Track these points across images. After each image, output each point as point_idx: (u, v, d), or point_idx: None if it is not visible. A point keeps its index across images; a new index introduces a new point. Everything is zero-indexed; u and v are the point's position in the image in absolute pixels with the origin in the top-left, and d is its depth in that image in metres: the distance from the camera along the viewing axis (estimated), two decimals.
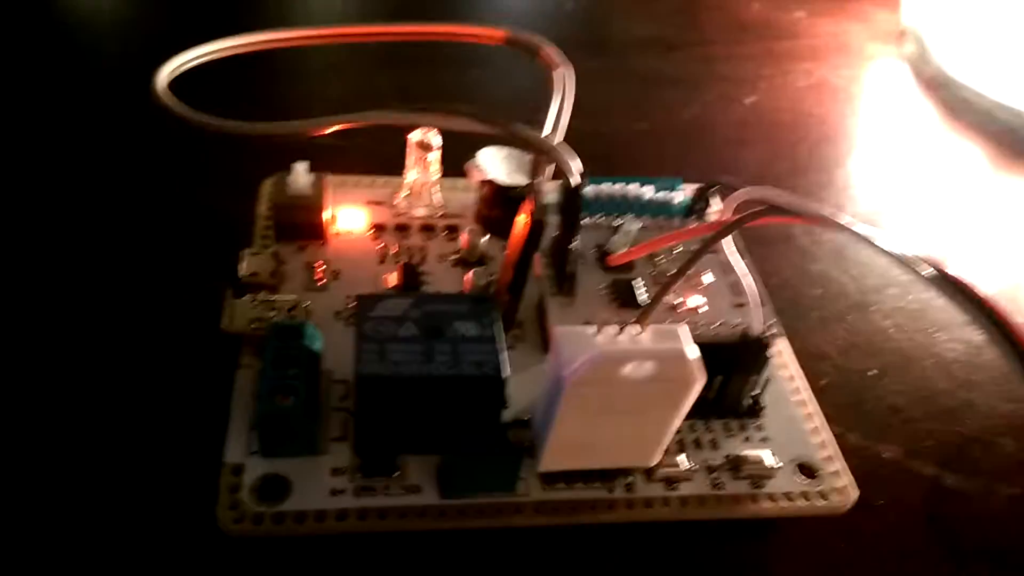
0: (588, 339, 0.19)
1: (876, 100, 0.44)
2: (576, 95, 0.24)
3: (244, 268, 0.26)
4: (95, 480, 0.22)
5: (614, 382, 0.19)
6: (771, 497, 0.23)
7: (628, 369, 0.19)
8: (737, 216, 0.23)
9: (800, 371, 0.27)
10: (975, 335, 0.29)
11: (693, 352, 0.19)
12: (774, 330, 0.26)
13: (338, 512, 0.21)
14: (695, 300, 0.25)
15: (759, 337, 0.24)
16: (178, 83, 0.25)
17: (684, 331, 0.20)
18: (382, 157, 0.30)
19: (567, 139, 0.23)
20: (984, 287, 0.21)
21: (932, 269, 0.21)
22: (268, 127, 0.23)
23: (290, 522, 0.21)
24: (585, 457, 0.22)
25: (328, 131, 0.23)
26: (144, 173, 0.32)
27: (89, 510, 0.21)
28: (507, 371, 0.21)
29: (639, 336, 0.20)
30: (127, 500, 0.22)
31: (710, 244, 0.23)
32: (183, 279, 0.27)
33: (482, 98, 0.39)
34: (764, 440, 0.25)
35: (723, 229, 0.23)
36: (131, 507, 0.22)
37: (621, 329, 0.20)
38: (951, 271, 0.21)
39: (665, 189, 0.29)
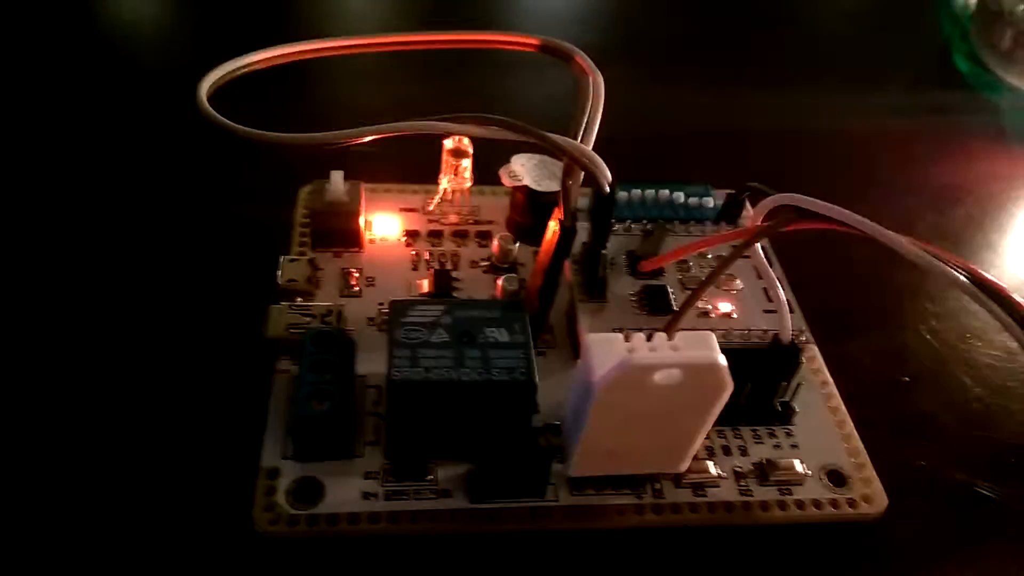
0: (618, 346, 0.19)
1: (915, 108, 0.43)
2: (609, 99, 0.25)
3: (282, 275, 0.26)
4: (135, 483, 0.23)
5: (643, 389, 0.19)
6: (800, 504, 0.23)
7: (657, 376, 0.19)
8: (768, 223, 0.24)
9: (831, 377, 0.27)
10: (1009, 341, 0.29)
11: (722, 359, 0.19)
12: (804, 336, 0.26)
13: (370, 515, 0.22)
14: (726, 306, 0.26)
15: (789, 343, 0.24)
16: (218, 92, 0.26)
17: (712, 338, 0.20)
18: (416, 164, 0.30)
19: (598, 144, 0.24)
20: (1017, 293, 0.21)
21: (965, 274, 0.21)
22: (306, 138, 0.23)
23: (323, 524, 0.22)
24: (614, 463, 0.22)
25: (364, 141, 0.23)
26: (184, 181, 0.32)
27: (129, 512, 0.22)
28: (537, 377, 0.22)
29: (668, 343, 0.20)
30: (166, 502, 0.22)
31: (741, 251, 0.24)
32: (222, 286, 0.28)
33: (517, 104, 0.39)
34: (794, 447, 0.25)
35: (754, 236, 0.24)
36: (170, 509, 0.22)
37: (651, 336, 0.20)
38: (985, 276, 0.21)
39: (695, 195, 0.29)
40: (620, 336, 0.20)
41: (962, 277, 0.21)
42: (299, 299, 0.26)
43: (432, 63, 0.40)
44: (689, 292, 0.26)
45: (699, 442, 0.22)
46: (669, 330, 0.22)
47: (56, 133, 0.34)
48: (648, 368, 0.19)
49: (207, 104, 0.25)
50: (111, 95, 0.37)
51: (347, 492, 0.22)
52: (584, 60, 0.26)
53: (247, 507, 0.22)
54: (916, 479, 0.25)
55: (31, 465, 0.23)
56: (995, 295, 0.21)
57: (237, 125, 0.24)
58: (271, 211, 0.30)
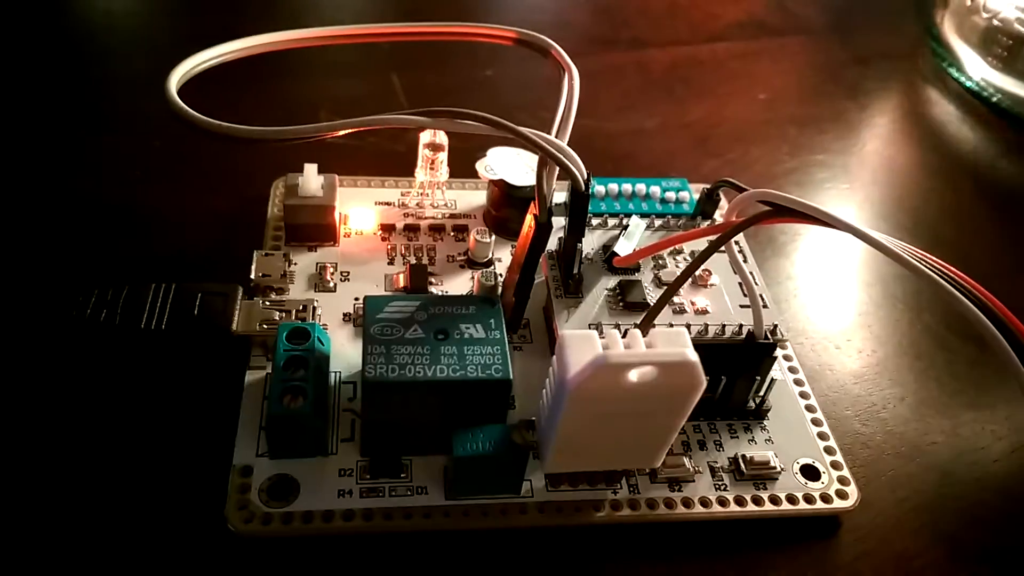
0: (592, 344, 0.19)
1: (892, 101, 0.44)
2: (586, 92, 0.24)
3: (255, 270, 0.26)
4: (107, 481, 0.22)
5: (618, 387, 0.19)
6: (774, 499, 0.24)
7: (631, 374, 0.19)
8: (743, 218, 0.23)
9: (805, 373, 0.27)
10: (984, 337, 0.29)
11: (695, 357, 0.19)
12: (779, 332, 0.26)
13: (345, 512, 0.22)
14: (701, 301, 0.26)
15: (764, 338, 0.24)
16: (189, 83, 0.25)
17: (686, 335, 0.20)
18: (392, 157, 0.30)
19: (574, 138, 0.23)
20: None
21: (936, 269, 0.21)
22: (278, 132, 0.23)
23: (298, 522, 0.21)
24: (589, 459, 0.22)
25: (338, 135, 0.23)
26: (153, 174, 0.32)
27: (101, 511, 0.22)
28: (512, 374, 0.22)
29: (643, 340, 0.20)
30: (138, 501, 0.22)
31: (716, 246, 0.24)
32: (193, 280, 0.28)
33: (494, 96, 0.39)
34: (768, 441, 0.25)
35: (729, 231, 0.24)
36: (142, 508, 0.22)
37: (625, 333, 0.20)
38: (953, 270, 0.21)
39: (671, 190, 0.29)
40: (594, 333, 0.20)
41: (930, 271, 0.21)
42: (272, 294, 0.26)
43: (414, 55, 0.40)
44: (665, 288, 0.26)
45: (673, 438, 0.22)
46: (643, 327, 0.23)
47: (21, 125, 0.33)
48: (622, 366, 0.19)
49: (176, 97, 0.24)
50: (80, 87, 0.36)
51: (322, 489, 0.22)
52: (560, 55, 0.26)
53: (220, 505, 0.21)
54: (889, 473, 0.25)
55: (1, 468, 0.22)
56: (965, 290, 0.21)
57: (207, 119, 0.23)
58: (246, 205, 0.30)
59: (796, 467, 0.24)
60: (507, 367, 0.22)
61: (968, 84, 0.44)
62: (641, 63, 0.43)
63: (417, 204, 0.30)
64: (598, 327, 0.24)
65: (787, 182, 0.36)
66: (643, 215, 0.28)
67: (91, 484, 0.22)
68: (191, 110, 0.23)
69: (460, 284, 0.28)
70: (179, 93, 0.24)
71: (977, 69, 0.43)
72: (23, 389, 0.24)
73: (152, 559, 0.21)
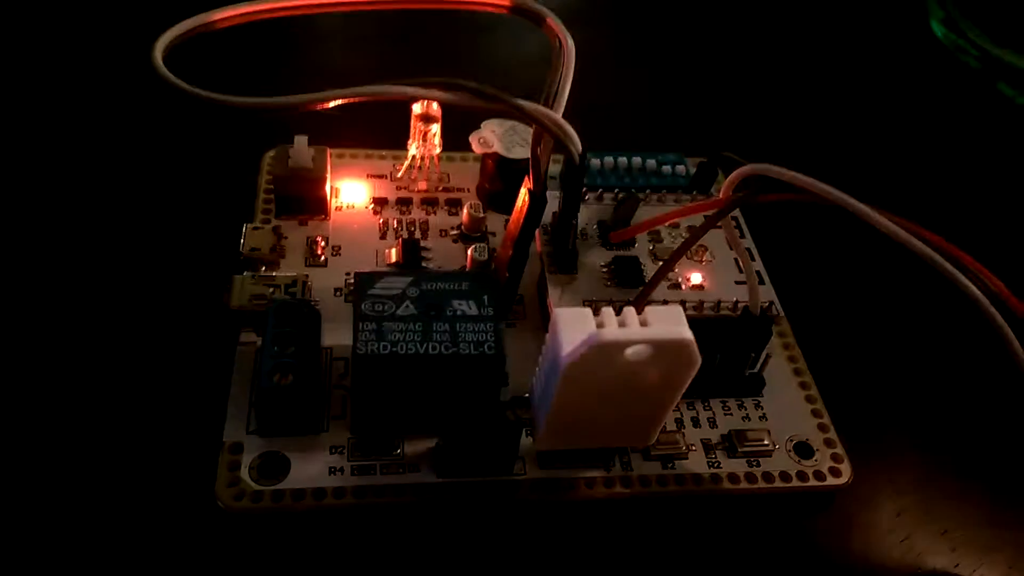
0: (587, 321, 0.19)
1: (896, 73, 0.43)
2: (581, 64, 0.24)
3: (245, 243, 0.26)
4: (95, 459, 0.22)
5: (612, 365, 0.19)
6: (768, 476, 0.24)
7: (626, 352, 0.19)
8: (739, 193, 0.23)
9: (800, 350, 0.27)
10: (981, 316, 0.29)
11: (691, 335, 0.19)
12: (775, 308, 0.26)
13: (335, 490, 0.22)
14: (697, 277, 0.25)
15: (760, 314, 0.24)
16: (178, 51, 0.25)
17: (681, 313, 0.20)
18: (384, 128, 0.30)
19: (570, 110, 0.23)
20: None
21: (935, 247, 0.21)
22: (268, 102, 0.22)
23: (288, 499, 0.21)
24: (582, 437, 0.22)
25: (328, 106, 0.22)
26: (142, 146, 0.31)
27: (90, 490, 0.22)
28: (505, 350, 0.21)
29: (638, 318, 0.19)
30: (127, 478, 0.22)
31: (712, 222, 0.23)
32: (184, 254, 0.27)
33: (488, 65, 0.39)
34: (762, 418, 0.25)
35: (725, 207, 0.23)
36: (131, 485, 0.22)
37: (620, 310, 0.20)
38: (955, 249, 0.21)
39: (667, 163, 0.29)
40: (589, 311, 0.19)
41: (929, 249, 0.21)
42: (263, 268, 0.26)
43: (406, 23, 0.39)
44: (661, 263, 0.25)
45: (667, 416, 0.22)
46: (639, 304, 0.22)
47: (7, 97, 0.33)
48: (617, 344, 0.19)
49: (162, 65, 0.24)
50: (64, 55, 0.35)
51: (312, 467, 0.22)
52: (556, 24, 0.25)
53: (210, 482, 0.21)
54: (882, 451, 0.25)
55: None
56: (964, 268, 0.21)
57: (194, 88, 0.23)
58: (235, 177, 0.29)
59: (790, 444, 0.24)
60: (500, 344, 0.21)
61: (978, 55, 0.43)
62: (637, 33, 0.42)
63: (410, 177, 0.30)
64: (592, 303, 0.24)
65: (786, 153, 0.36)
66: (638, 189, 0.28)
67: (80, 461, 0.22)
68: (177, 78, 0.23)
69: (453, 259, 0.28)
70: (165, 61, 0.24)
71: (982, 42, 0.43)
72: (10, 363, 0.24)
73: (142, 536, 0.21)
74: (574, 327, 0.19)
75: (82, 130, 0.32)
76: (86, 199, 0.29)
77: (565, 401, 0.20)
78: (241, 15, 0.27)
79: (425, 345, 0.21)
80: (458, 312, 0.22)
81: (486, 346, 0.21)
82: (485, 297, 0.23)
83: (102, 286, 0.26)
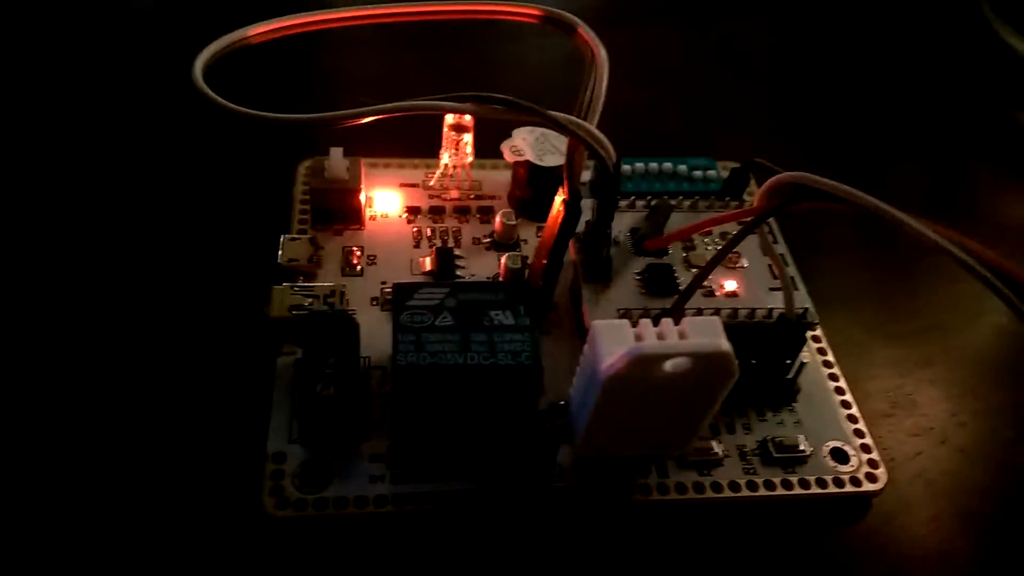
0: (625, 334, 0.19)
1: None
2: (613, 68, 0.24)
3: (283, 254, 0.26)
4: (140, 469, 0.23)
5: (651, 377, 0.19)
6: (804, 482, 0.24)
7: (666, 365, 0.19)
8: (775, 202, 0.23)
9: (835, 355, 0.27)
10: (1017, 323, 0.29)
11: (729, 347, 0.19)
12: (809, 314, 0.26)
13: (377, 498, 0.22)
14: (731, 284, 0.25)
15: (795, 321, 0.24)
16: (214, 65, 0.25)
17: (719, 324, 0.20)
18: (416, 138, 0.30)
19: (603, 115, 0.23)
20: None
21: (972, 254, 0.21)
22: (304, 119, 0.23)
23: (331, 508, 0.22)
24: (620, 445, 0.22)
25: (362, 122, 0.23)
26: (180, 160, 0.32)
27: (137, 500, 0.22)
28: (542, 361, 0.22)
29: (675, 329, 0.20)
30: (173, 488, 0.22)
31: (748, 230, 0.23)
32: (223, 265, 0.28)
33: (519, 74, 0.39)
34: (797, 424, 0.25)
35: (763, 214, 0.23)
36: (177, 494, 0.22)
37: (657, 321, 0.20)
38: (992, 256, 0.21)
39: (698, 168, 0.29)
40: (627, 323, 0.20)
41: (967, 256, 0.21)
42: (301, 279, 0.26)
43: (436, 33, 0.39)
44: (695, 271, 0.25)
45: (705, 425, 0.22)
46: (675, 313, 0.22)
47: (50, 112, 0.33)
48: (656, 357, 0.19)
49: (202, 82, 0.24)
50: (107, 72, 0.36)
51: (354, 475, 0.22)
52: (587, 33, 0.25)
53: (255, 491, 0.22)
54: (917, 456, 0.25)
55: (36, 457, 0.23)
56: (1003, 275, 0.21)
57: (233, 105, 0.23)
58: (271, 188, 0.30)
59: (825, 450, 0.24)
60: (537, 354, 0.22)
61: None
62: (663, 37, 0.42)
63: (442, 186, 0.30)
64: (628, 313, 0.24)
65: (816, 159, 0.36)
66: (670, 195, 0.28)
67: (125, 473, 0.23)
68: (217, 96, 0.23)
69: (486, 267, 0.28)
70: (204, 77, 0.24)
71: None
72: (56, 376, 0.24)
73: (188, 545, 0.21)
74: (613, 339, 0.19)
75: (122, 145, 0.32)
76: (127, 214, 0.29)
77: (604, 411, 0.20)
78: (274, 30, 0.27)
79: (464, 356, 0.21)
80: (495, 322, 0.22)
81: (523, 356, 0.22)
82: (521, 307, 0.23)
83: (144, 299, 0.27)
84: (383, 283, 0.27)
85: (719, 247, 0.26)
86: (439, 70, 0.37)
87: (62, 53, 0.36)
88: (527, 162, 0.29)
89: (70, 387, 0.24)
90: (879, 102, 0.40)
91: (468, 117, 0.28)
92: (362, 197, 0.28)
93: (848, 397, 0.26)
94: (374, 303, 0.26)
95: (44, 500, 0.22)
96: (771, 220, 0.28)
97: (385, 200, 0.29)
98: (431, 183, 0.30)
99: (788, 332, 0.24)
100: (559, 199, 0.24)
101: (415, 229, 0.29)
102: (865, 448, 0.25)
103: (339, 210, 0.28)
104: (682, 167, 0.29)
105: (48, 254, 0.28)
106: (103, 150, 0.32)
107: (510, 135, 0.29)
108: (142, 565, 0.21)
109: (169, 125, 0.33)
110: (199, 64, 0.25)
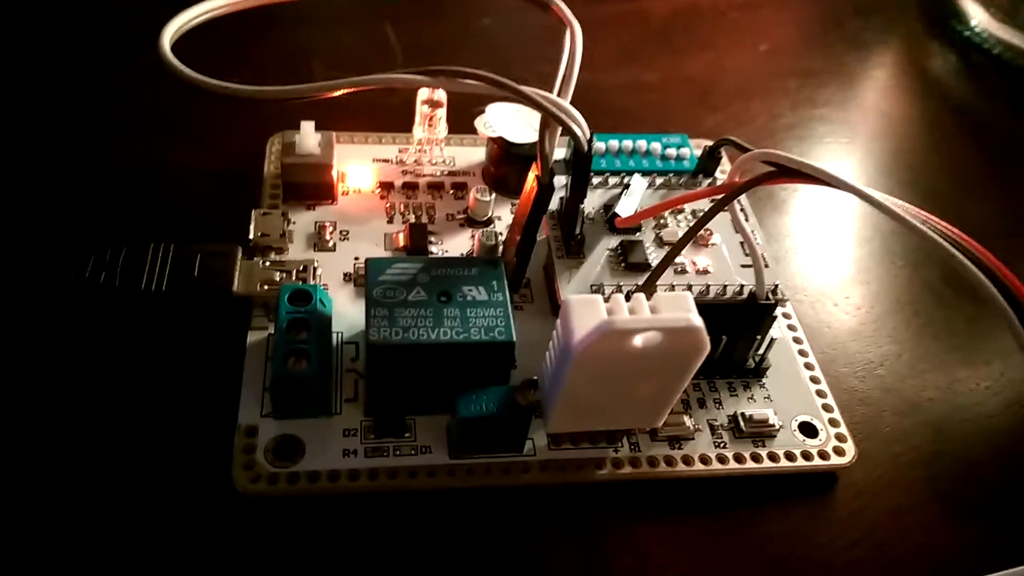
0: (597, 309, 0.19)
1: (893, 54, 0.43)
2: (583, 43, 0.24)
3: (254, 229, 0.26)
4: (111, 446, 0.22)
5: (622, 352, 0.19)
6: (773, 456, 0.24)
7: (637, 339, 0.19)
8: (747, 179, 0.23)
9: (804, 331, 0.27)
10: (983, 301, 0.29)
11: (700, 321, 0.20)
12: (779, 291, 0.26)
13: (350, 472, 0.22)
14: (703, 261, 0.26)
15: (765, 298, 0.24)
16: (184, 36, 0.25)
17: (690, 299, 0.20)
18: (388, 113, 0.30)
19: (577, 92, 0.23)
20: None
21: (939, 230, 0.21)
22: (276, 91, 0.22)
23: (304, 482, 0.22)
24: (592, 419, 0.23)
25: (335, 95, 0.23)
26: (149, 133, 0.31)
27: (107, 476, 0.22)
28: (515, 336, 0.22)
29: (647, 304, 0.20)
30: (143, 463, 0.22)
31: (719, 207, 0.23)
32: (190, 240, 0.27)
33: (492, 47, 0.39)
34: (768, 399, 0.25)
35: (733, 192, 0.23)
36: (148, 469, 0.22)
37: (629, 297, 0.20)
38: (958, 233, 0.21)
39: (671, 146, 0.29)
40: (599, 298, 0.20)
41: (931, 232, 0.21)
42: (272, 254, 0.26)
43: (410, 5, 0.39)
44: (667, 247, 0.26)
45: (676, 399, 0.22)
46: (647, 289, 0.23)
47: (16, 84, 0.33)
48: (627, 332, 0.19)
49: (170, 54, 0.24)
50: (73, 44, 0.35)
51: (327, 449, 0.22)
52: (561, 9, 0.25)
53: (226, 465, 0.22)
54: (885, 430, 0.26)
55: (5, 434, 0.22)
56: (964, 249, 0.21)
57: (203, 77, 0.23)
58: (242, 163, 0.29)
59: (794, 424, 0.25)
60: (510, 330, 0.22)
61: (969, 35, 0.43)
62: (640, 13, 0.42)
63: (415, 161, 0.30)
64: (600, 288, 0.24)
65: (788, 137, 0.36)
66: (643, 173, 0.28)
67: (95, 448, 0.22)
68: (186, 68, 0.23)
69: (460, 243, 0.28)
70: (172, 49, 0.24)
71: (979, 20, 0.43)
72: (23, 354, 0.24)
73: (159, 519, 0.21)
74: (585, 314, 0.19)
75: (89, 119, 0.32)
76: (97, 191, 0.29)
77: (575, 385, 0.21)
78: (245, 1, 0.27)
79: (437, 331, 0.21)
80: (468, 297, 0.22)
81: (496, 331, 0.22)
82: (495, 283, 0.23)
83: (112, 276, 0.26)
84: (356, 258, 0.27)
85: (691, 225, 0.26)
86: (415, 43, 0.37)
87: (28, 27, 0.35)
88: (501, 138, 0.28)
89: (38, 364, 0.24)
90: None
91: (441, 92, 0.28)
92: (334, 172, 0.28)
93: (817, 373, 0.26)
94: (347, 279, 0.26)
95: (11, 476, 0.22)
96: (743, 198, 0.28)
97: (358, 175, 0.29)
98: (404, 158, 0.30)
99: (759, 310, 0.25)
100: (532, 175, 0.24)
101: (388, 204, 0.29)
102: (833, 423, 0.25)
103: (311, 185, 0.28)
104: (655, 145, 0.29)
105: (18, 215, 0.27)
106: (67, 124, 0.31)
107: (484, 111, 0.29)
108: (112, 541, 0.21)
109: (136, 99, 0.32)
110: (166, 36, 0.24)
